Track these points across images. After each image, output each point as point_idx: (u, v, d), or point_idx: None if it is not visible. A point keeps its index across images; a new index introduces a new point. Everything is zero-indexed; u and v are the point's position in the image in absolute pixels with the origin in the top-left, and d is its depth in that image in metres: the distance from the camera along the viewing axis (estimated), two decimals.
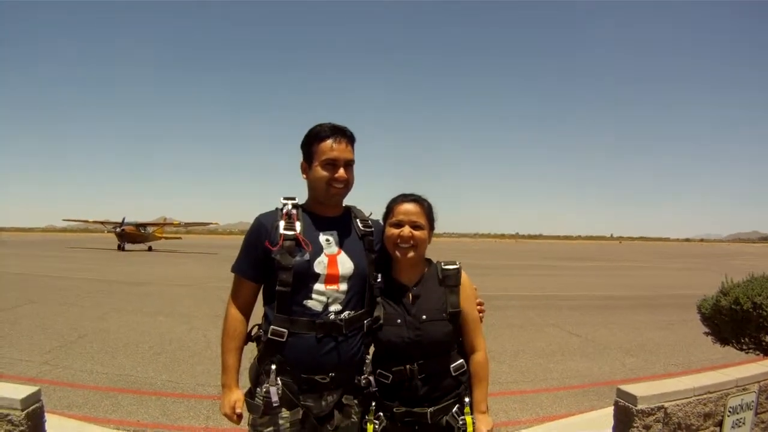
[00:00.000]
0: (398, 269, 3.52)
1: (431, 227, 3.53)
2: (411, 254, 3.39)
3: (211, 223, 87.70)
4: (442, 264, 3.55)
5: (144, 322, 14.81)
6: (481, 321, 3.58)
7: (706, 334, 8.41)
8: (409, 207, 3.44)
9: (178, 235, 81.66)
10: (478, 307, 3.58)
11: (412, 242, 3.38)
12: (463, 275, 3.52)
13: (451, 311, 3.39)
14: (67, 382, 8.87)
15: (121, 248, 60.19)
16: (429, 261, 3.62)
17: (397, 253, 3.41)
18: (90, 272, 31.28)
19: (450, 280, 3.47)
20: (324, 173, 3.33)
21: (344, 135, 3.39)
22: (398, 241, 3.39)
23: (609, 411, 5.04)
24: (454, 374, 3.38)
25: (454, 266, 3.52)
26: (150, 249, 62.59)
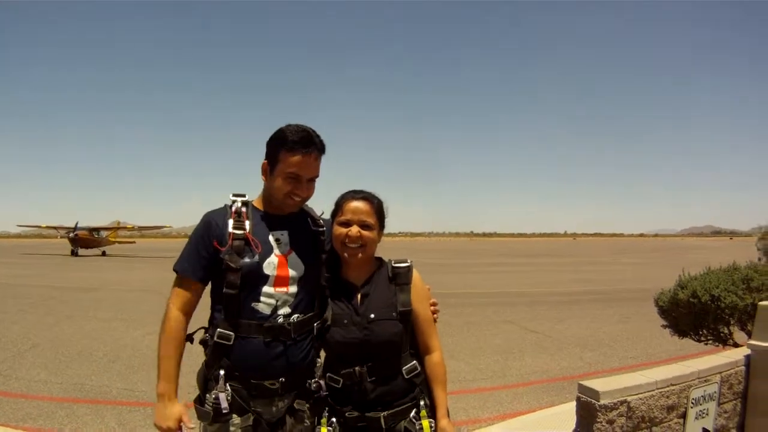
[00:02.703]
0: (347, 268, 3.40)
1: (381, 226, 3.41)
2: (359, 255, 3.27)
3: (165, 226, 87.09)
4: (393, 262, 3.42)
5: (98, 328, 14.60)
6: (435, 321, 3.46)
7: (664, 326, 8.48)
8: (358, 205, 3.30)
9: (131, 240, 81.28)
10: (432, 307, 3.45)
11: (360, 242, 3.26)
12: (415, 273, 3.40)
13: (402, 310, 3.26)
14: (21, 393, 8.68)
15: (74, 254, 59.72)
16: (380, 260, 3.49)
17: (345, 254, 3.29)
18: (43, 278, 30.97)
19: (400, 278, 3.35)
20: (285, 186, 3.19)
21: (314, 147, 3.20)
22: (346, 240, 3.26)
23: (570, 406, 5.02)
24: (406, 377, 3.24)
25: (405, 264, 3.40)
26: (104, 254, 62.27)
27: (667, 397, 4.70)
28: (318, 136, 3.22)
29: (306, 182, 3.21)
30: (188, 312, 3.23)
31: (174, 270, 3.26)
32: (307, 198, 3.31)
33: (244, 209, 3.24)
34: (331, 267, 3.41)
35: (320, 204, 3.53)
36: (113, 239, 69.95)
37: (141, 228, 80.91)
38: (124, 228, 73.93)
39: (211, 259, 3.16)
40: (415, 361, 3.29)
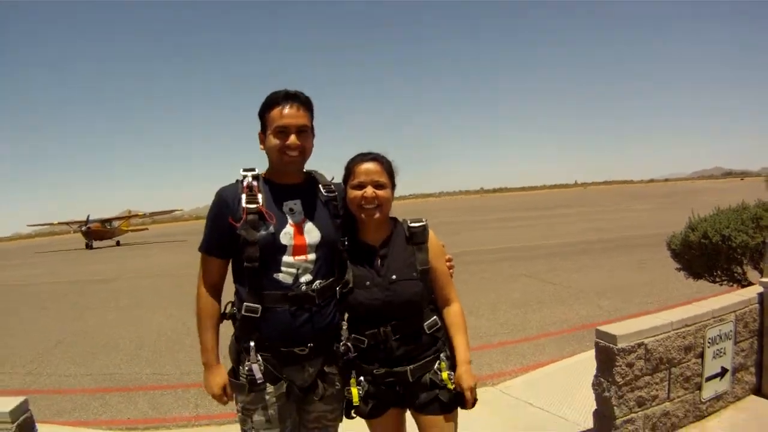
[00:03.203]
0: (364, 231, 3.46)
1: (393, 185, 3.46)
2: (377, 215, 3.33)
3: (176, 210, 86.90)
4: (409, 222, 3.50)
5: (121, 318, 14.69)
6: (451, 275, 3.57)
7: (678, 269, 8.54)
8: (369, 166, 3.35)
9: (144, 227, 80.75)
10: (448, 262, 3.56)
11: (376, 202, 3.31)
12: (430, 232, 3.49)
13: (421, 269, 3.35)
14: (54, 389, 8.78)
15: (89, 246, 59.23)
16: (395, 219, 3.57)
17: (362, 215, 3.34)
18: (60, 275, 30.95)
19: (417, 238, 3.43)
20: (276, 141, 3.24)
21: (296, 99, 3.27)
22: (362, 202, 3.31)
23: (591, 354, 5.11)
24: (428, 332, 3.35)
25: (421, 223, 3.48)
26: (118, 244, 61.92)
27: (684, 337, 4.80)
28: (299, 92, 3.31)
29: (296, 134, 3.23)
30: (216, 287, 3.38)
31: (199, 250, 3.38)
32: (305, 150, 3.32)
33: (255, 183, 3.27)
34: (348, 231, 3.47)
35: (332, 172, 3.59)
36: (126, 228, 69.49)
37: (152, 214, 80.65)
38: (136, 216, 73.26)
39: (228, 236, 3.21)
40: (435, 317, 3.41)
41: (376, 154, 3.44)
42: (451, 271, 3.59)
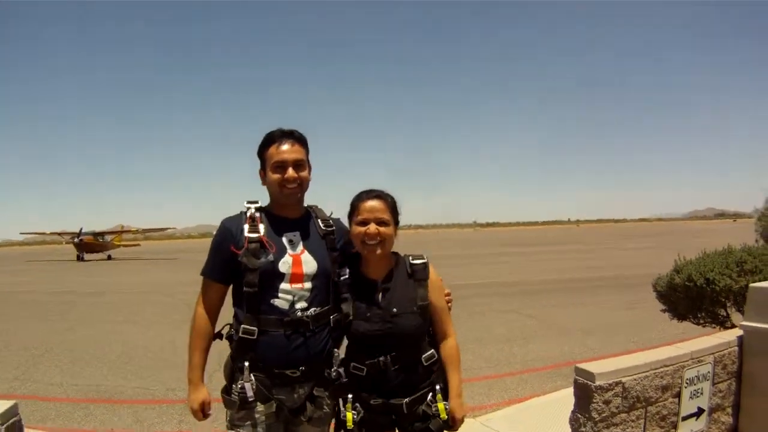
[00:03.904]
0: (366, 265, 3.58)
1: (396, 222, 3.58)
2: (378, 251, 3.45)
3: (169, 228, 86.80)
4: (410, 258, 3.63)
5: (110, 331, 14.73)
6: (449, 310, 3.71)
7: (663, 311, 8.62)
8: (373, 204, 3.48)
9: (136, 242, 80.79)
10: (446, 297, 3.71)
11: (378, 239, 3.43)
12: (431, 268, 3.61)
13: (421, 304, 3.47)
14: (39, 396, 8.81)
15: (80, 258, 59.50)
16: (396, 255, 3.69)
17: (365, 251, 3.48)
18: (51, 284, 31.07)
19: (419, 274, 3.55)
20: (275, 176, 3.43)
21: (291, 136, 3.50)
22: (365, 238, 3.44)
23: (571, 390, 5.16)
24: (425, 364, 3.47)
25: (422, 260, 3.61)
26: (109, 258, 61.89)
27: (662, 377, 4.86)
28: (294, 129, 3.55)
29: (293, 167, 3.43)
30: (213, 310, 3.56)
31: (201, 274, 3.56)
32: (303, 183, 3.52)
33: (257, 214, 3.48)
34: (351, 266, 3.60)
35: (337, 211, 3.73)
36: (118, 243, 69.49)
37: (145, 230, 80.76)
38: (128, 231, 73.31)
39: (229, 262, 3.40)
40: (432, 350, 3.54)
41: (380, 191, 3.58)
42: (449, 305, 3.73)
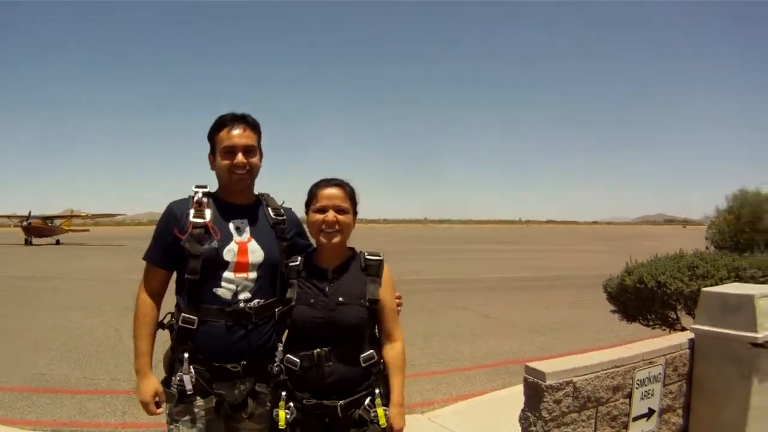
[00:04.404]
0: (320, 255, 3.48)
1: (355, 211, 3.50)
2: (336, 239, 3.36)
3: (119, 215, 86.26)
4: (366, 254, 3.51)
5: (54, 317, 14.45)
6: (399, 313, 3.57)
7: (613, 312, 8.66)
8: (332, 191, 3.39)
9: (86, 228, 79.56)
10: (397, 299, 3.56)
11: (337, 227, 3.34)
12: (386, 267, 3.49)
13: (370, 298, 3.33)
14: None
15: (28, 243, 58.59)
16: (352, 250, 3.56)
17: (322, 239, 3.37)
18: None
19: (372, 270, 3.43)
20: (224, 162, 3.34)
21: (243, 121, 3.40)
22: (323, 226, 3.34)
23: (520, 388, 5.12)
24: (363, 364, 3.30)
25: (378, 257, 3.49)
26: (58, 242, 61.21)
27: (612, 378, 4.84)
28: (246, 114, 3.45)
29: (243, 153, 3.33)
30: (157, 297, 3.41)
31: (143, 259, 3.43)
32: (253, 169, 3.42)
33: (205, 199, 3.36)
34: (304, 255, 3.50)
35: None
36: (67, 227, 68.61)
37: (94, 216, 79.95)
38: (78, 216, 72.49)
39: (173, 247, 3.29)
40: (372, 351, 3.36)
41: (339, 180, 3.48)
42: (399, 308, 3.58)
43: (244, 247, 3.32)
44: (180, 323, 3.22)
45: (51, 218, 64.70)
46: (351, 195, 3.46)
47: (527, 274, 25.83)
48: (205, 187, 3.43)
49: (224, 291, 3.24)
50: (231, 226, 3.36)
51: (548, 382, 4.44)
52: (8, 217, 70.35)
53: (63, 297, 18.42)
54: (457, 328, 12.93)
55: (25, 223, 59.28)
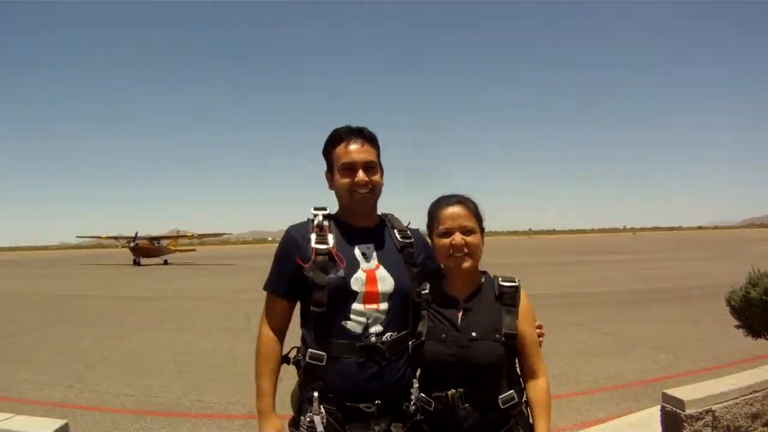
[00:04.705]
0: (450, 281, 3.14)
1: (482, 228, 3.16)
2: (466, 263, 3.02)
3: (225, 234, 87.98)
4: (500, 279, 3.15)
5: (167, 338, 14.75)
6: (540, 344, 3.23)
7: (737, 327, 8.39)
8: (455, 210, 3.07)
9: (192, 247, 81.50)
10: (537, 329, 3.21)
11: (465, 250, 3.01)
12: (522, 294, 3.14)
13: (506, 332, 2.97)
14: (95, 406, 8.76)
15: (136, 263, 60.53)
16: (485, 274, 3.22)
17: (451, 264, 3.06)
18: (107, 289, 31.34)
19: (507, 299, 3.06)
20: (344, 180, 3.11)
21: (360, 135, 3.16)
22: (450, 251, 3.02)
23: (649, 413, 5.02)
24: (502, 406, 2.94)
25: (513, 283, 3.12)
26: (165, 263, 62.74)
27: (751, 404, 4.69)
28: (363, 127, 3.21)
29: (363, 170, 3.10)
30: (280, 330, 3.23)
31: (264, 289, 3.25)
32: (375, 187, 3.17)
33: (326, 223, 3.15)
34: (432, 282, 3.18)
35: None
36: (174, 248, 70.63)
37: (201, 236, 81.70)
38: (184, 236, 74.23)
39: (295, 277, 3.08)
40: (512, 391, 3.00)
41: (460, 196, 3.17)
42: (540, 339, 3.24)
43: (373, 275, 3.06)
44: (308, 359, 3.01)
45: (158, 239, 66.67)
46: (475, 211, 3.14)
47: (638, 285, 25.10)
48: (324, 209, 3.23)
49: (354, 324, 2.99)
50: (357, 251, 3.12)
51: (687, 411, 4.32)
52: (116, 238, 72.84)
53: (175, 317, 18.75)
54: (574, 346, 12.62)
55: (132, 244, 61.20)
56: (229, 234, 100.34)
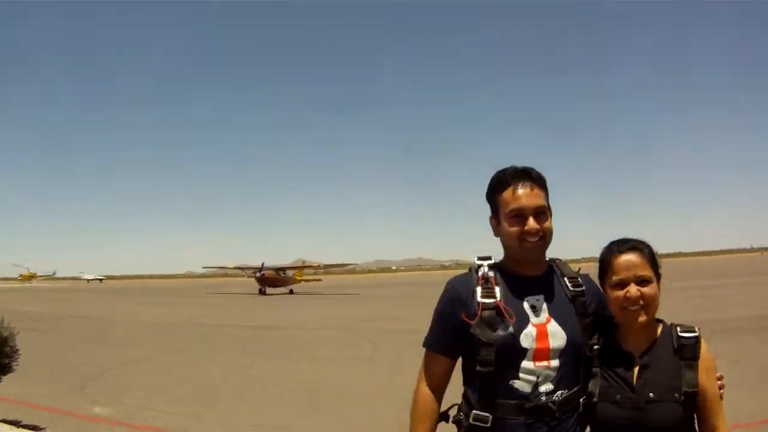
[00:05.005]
0: (624, 335, 2.88)
1: (658, 276, 2.88)
2: (642, 318, 2.75)
3: (350, 264, 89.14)
4: (678, 329, 2.85)
5: (293, 368, 14.70)
6: (722, 398, 2.84)
7: None
8: (629, 258, 2.82)
9: (317, 277, 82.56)
10: (718, 382, 2.86)
11: (641, 302, 2.74)
12: (703, 345, 2.81)
13: (687, 391, 2.68)
14: None
15: (262, 292, 61.46)
16: (661, 322, 2.94)
17: (625, 318, 2.80)
18: (233, 318, 31.84)
19: (687, 352, 2.77)
20: (513, 228, 2.85)
21: (528, 177, 2.90)
22: (625, 304, 2.76)
23: None
24: None
25: (694, 334, 2.82)
26: (291, 292, 63.53)
27: None
28: (530, 168, 2.97)
29: (534, 217, 2.83)
30: (439, 388, 3.00)
31: (423, 346, 3.05)
32: (544, 236, 2.89)
33: (491, 274, 2.89)
34: (604, 332, 2.93)
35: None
36: (299, 278, 71.75)
37: (326, 266, 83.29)
38: (310, 267, 75.59)
39: (459, 334, 2.85)
40: None
41: (635, 241, 2.92)
42: (721, 391, 2.86)
43: (544, 329, 2.81)
44: (471, 421, 2.76)
45: (283, 269, 67.82)
46: (651, 258, 2.86)
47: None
48: (489, 258, 2.98)
49: (523, 384, 2.74)
50: (525, 304, 2.84)
51: None
52: (242, 268, 74.49)
53: (299, 346, 18.81)
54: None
55: (258, 274, 62.47)
56: (355, 264, 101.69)
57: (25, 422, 8.55)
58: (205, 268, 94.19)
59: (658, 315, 2.89)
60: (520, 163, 3.02)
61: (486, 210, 3.12)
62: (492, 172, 3.08)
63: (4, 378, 8.43)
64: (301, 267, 74.92)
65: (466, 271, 3.06)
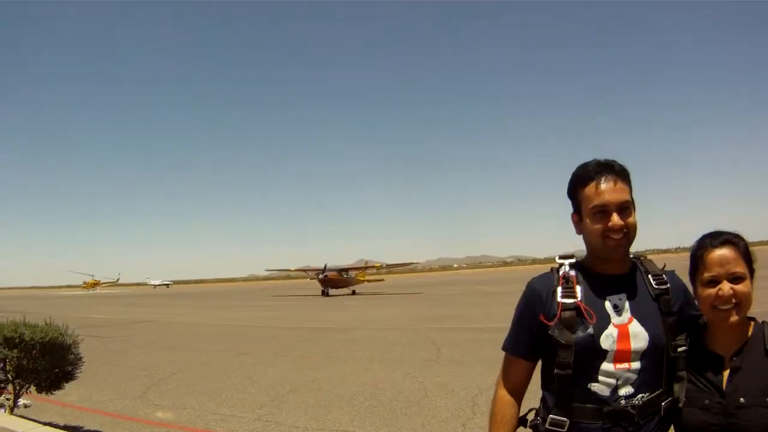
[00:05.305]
0: (713, 336, 2.67)
1: (752, 271, 2.61)
2: (733, 318, 2.53)
3: (413, 263, 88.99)
4: None
5: (356, 370, 14.45)
6: None
7: None
8: (723, 254, 2.58)
9: (380, 277, 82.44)
10: None
11: (733, 301, 2.52)
12: None
13: None
14: None
15: (325, 294, 61.69)
16: (753, 321, 2.70)
17: (715, 318, 2.60)
18: (296, 320, 31.91)
19: None
20: (596, 225, 2.69)
21: (611, 171, 2.72)
22: (716, 302, 2.55)
23: None
24: None
25: None
26: (354, 293, 63.65)
27: None
28: (612, 161, 2.79)
29: (618, 212, 2.66)
30: (517, 392, 2.92)
31: (502, 349, 2.98)
32: (628, 233, 2.70)
33: (573, 273, 2.77)
34: (691, 332, 2.74)
35: None
36: (362, 278, 71.90)
37: (389, 266, 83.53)
38: (372, 267, 76.03)
39: (538, 335, 2.77)
40: None
41: (728, 235, 2.66)
42: None
43: (625, 330, 2.64)
44: (548, 425, 2.67)
45: (346, 270, 67.96)
46: (745, 252, 2.61)
47: None
48: (571, 256, 2.86)
49: (601, 387, 2.61)
50: (607, 304, 2.70)
51: None
52: (304, 270, 75.04)
53: (364, 348, 18.56)
54: None
55: (321, 276, 62.68)
56: (417, 263, 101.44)
57: (87, 428, 8.52)
58: (267, 270, 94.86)
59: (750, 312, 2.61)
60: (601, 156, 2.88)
61: (565, 206, 2.99)
62: (569, 167, 2.95)
63: (69, 384, 8.57)
64: (364, 267, 75.16)
65: (547, 270, 2.94)
